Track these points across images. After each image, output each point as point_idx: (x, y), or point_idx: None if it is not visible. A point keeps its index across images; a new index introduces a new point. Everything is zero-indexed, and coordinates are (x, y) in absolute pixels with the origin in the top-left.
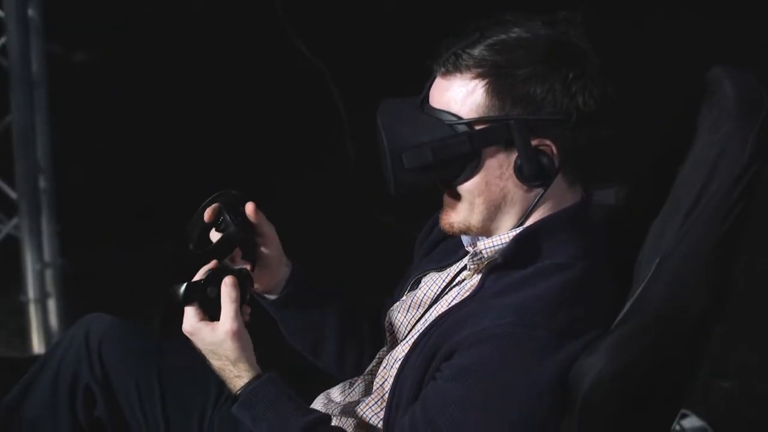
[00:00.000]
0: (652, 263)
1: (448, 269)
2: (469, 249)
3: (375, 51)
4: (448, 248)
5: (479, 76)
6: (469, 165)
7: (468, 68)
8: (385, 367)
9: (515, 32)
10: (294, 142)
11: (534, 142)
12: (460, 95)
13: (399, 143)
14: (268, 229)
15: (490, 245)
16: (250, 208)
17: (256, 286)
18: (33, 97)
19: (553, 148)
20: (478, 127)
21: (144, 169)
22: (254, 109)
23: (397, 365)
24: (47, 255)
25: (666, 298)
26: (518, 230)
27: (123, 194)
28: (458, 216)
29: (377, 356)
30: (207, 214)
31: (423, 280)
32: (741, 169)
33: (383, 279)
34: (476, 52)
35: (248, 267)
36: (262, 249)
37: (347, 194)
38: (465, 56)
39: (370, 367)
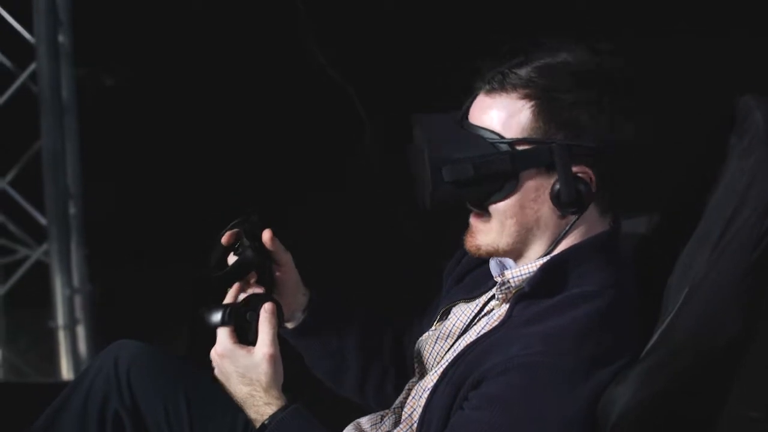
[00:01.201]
0: (682, 292)
1: (477, 299)
2: (497, 279)
3: (395, 63)
4: (477, 278)
5: (526, 97)
6: (507, 185)
7: (514, 88)
8: (413, 397)
9: (562, 57)
10: (317, 158)
11: (574, 169)
12: (504, 114)
13: (440, 157)
14: (285, 257)
15: (517, 274)
16: (266, 235)
17: None
18: (63, 123)
19: (591, 176)
20: (520, 148)
21: (171, 191)
22: (281, 130)
23: (426, 395)
24: (76, 281)
25: (695, 327)
26: (546, 258)
27: (150, 216)
28: (487, 238)
29: (406, 387)
30: (225, 238)
31: (452, 310)
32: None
33: (405, 297)
34: (523, 72)
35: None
36: (278, 275)
37: (369, 210)
38: (512, 76)
39: (399, 399)
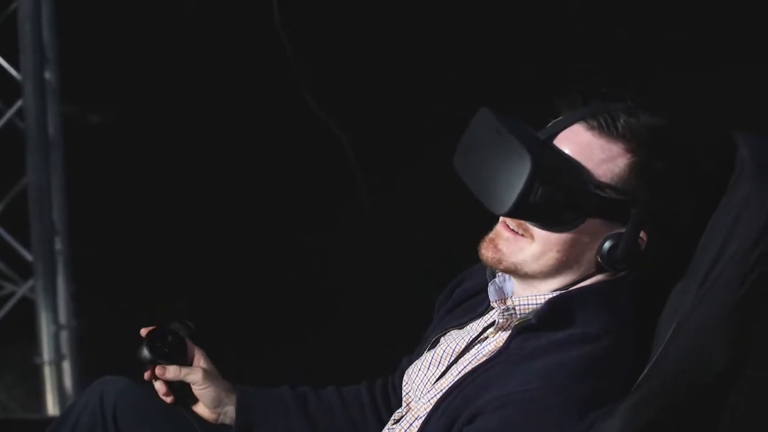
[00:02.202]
0: (671, 327)
1: (468, 326)
2: (495, 305)
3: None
4: (469, 308)
5: (628, 149)
6: (574, 222)
7: (621, 137)
8: (402, 426)
9: (660, 120)
10: (309, 197)
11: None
12: (601, 156)
13: (539, 172)
14: (195, 377)
15: (524, 302)
16: (161, 370)
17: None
18: (49, 159)
19: (645, 240)
20: (603, 194)
21: (158, 228)
22: (269, 167)
23: (417, 423)
24: (62, 317)
25: (684, 361)
26: (556, 293)
27: (137, 252)
28: (516, 256)
29: (393, 418)
30: (143, 330)
31: (442, 338)
32: (758, 232)
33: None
34: (634, 124)
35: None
36: (195, 391)
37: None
38: (622, 123)
39: (386, 428)
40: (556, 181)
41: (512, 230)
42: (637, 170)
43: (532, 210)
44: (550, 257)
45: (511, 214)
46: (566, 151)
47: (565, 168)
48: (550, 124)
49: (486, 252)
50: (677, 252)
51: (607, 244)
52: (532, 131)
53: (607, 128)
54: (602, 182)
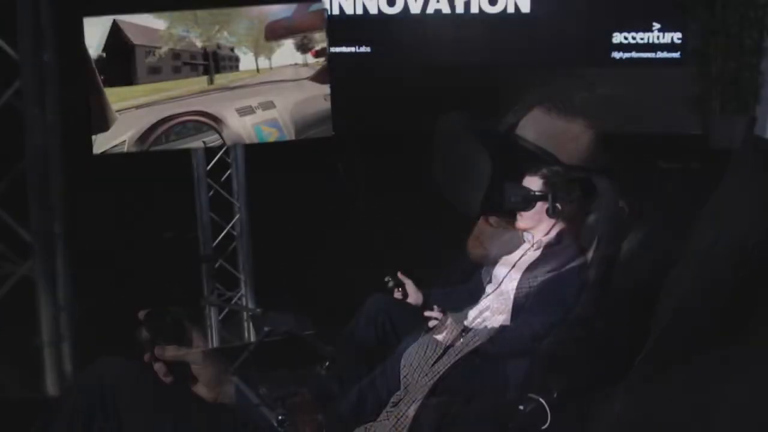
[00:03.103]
0: (668, 313)
1: (464, 310)
2: (490, 290)
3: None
4: (465, 292)
5: (590, 126)
6: (551, 206)
7: (580, 114)
8: (399, 408)
9: (622, 89)
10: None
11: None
12: (563, 137)
13: (502, 168)
14: (193, 356)
15: (519, 285)
16: (164, 351)
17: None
18: (48, 141)
19: (626, 210)
20: (574, 174)
21: (159, 211)
22: (269, 164)
23: (415, 407)
24: (62, 298)
25: (681, 347)
26: (549, 275)
27: (137, 235)
28: (503, 248)
29: (391, 401)
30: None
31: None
32: (752, 223)
33: None
34: (591, 98)
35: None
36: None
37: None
38: (578, 100)
39: (385, 410)
40: (522, 173)
41: (494, 225)
42: (601, 142)
43: (505, 206)
44: (535, 244)
45: (485, 215)
46: (530, 139)
47: (530, 157)
48: (510, 113)
49: (473, 250)
50: (671, 240)
51: (591, 219)
52: (493, 126)
53: (564, 108)
54: (570, 163)
